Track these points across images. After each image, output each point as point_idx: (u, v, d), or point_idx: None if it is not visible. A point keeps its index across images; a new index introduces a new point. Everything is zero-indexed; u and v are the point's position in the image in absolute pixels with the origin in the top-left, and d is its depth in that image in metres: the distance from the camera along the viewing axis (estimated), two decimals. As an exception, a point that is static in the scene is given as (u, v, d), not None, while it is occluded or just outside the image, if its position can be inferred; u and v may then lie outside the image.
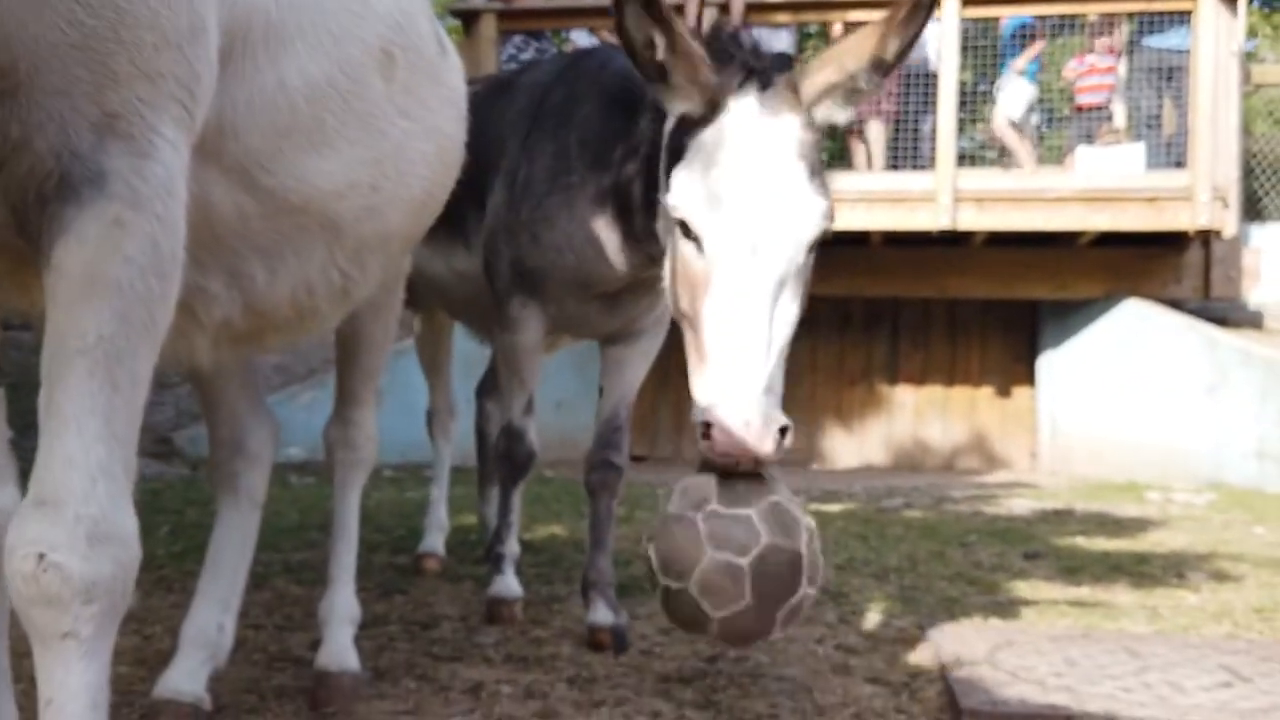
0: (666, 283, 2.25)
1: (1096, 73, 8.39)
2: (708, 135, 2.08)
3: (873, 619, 3.29)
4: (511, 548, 3.28)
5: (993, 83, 8.68)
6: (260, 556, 3.64)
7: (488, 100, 3.15)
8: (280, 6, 1.52)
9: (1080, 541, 4.97)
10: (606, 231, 2.74)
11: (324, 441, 2.55)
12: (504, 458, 3.18)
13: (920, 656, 2.82)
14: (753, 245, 2.00)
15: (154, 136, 1.28)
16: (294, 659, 2.67)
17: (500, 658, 2.75)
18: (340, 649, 2.39)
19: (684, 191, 2.08)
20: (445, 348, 4.11)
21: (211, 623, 2.22)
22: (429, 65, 1.93)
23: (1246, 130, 9.03)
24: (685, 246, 2.09)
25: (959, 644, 2.81)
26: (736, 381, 1.94)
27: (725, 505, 1.94)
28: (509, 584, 3.21)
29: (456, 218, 2.76)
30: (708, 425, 1.93)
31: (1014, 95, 8.50)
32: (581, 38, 8.66)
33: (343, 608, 2.44)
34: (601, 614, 2.89)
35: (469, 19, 8.34)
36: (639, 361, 3.12)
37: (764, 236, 2.01)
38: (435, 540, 3.87)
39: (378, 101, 1.75)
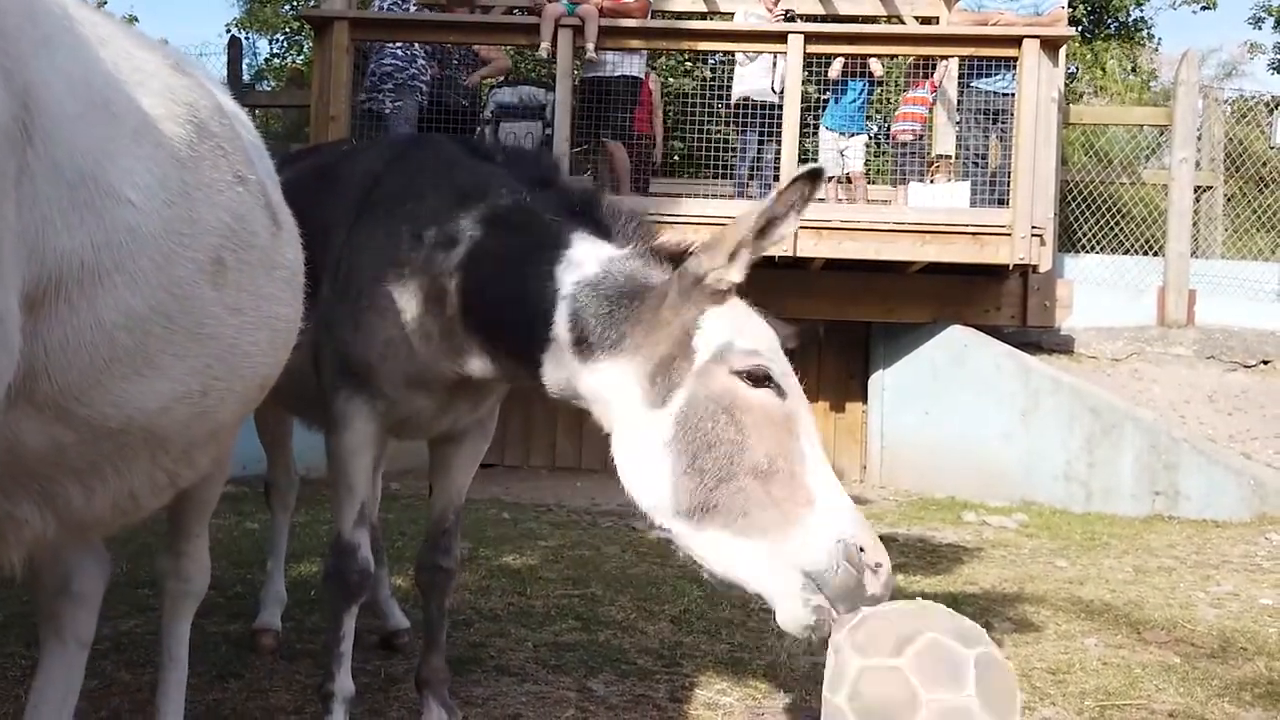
0: (663, 444, 2.20)
1: (914, 102, 8.78)
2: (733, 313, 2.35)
3: (699, 698, 3.45)
4: (343, 685, 2.82)
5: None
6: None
7: (311, 191, 2.99)
8: (96, 247, 1.45)
9: (899, 580, 5.26)
10: (432, 330, 2.65)
11: (156, 572, 2.52)
12: (333, 577, 2.81)
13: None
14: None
15: None
16: (121, 776, 2.64)
17: (333, 766, 2.77)
18: None
19: (765, 342, 2.29)
20: (286, 422, 3.97)
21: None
22: (262, 255, 1.87)
23: (1064, 161, 9.60)
24: (756, 395, 2.20)
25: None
26: (856, 510, 2.14)
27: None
28: None
29: None
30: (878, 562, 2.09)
31: (854, 150, 8.87)
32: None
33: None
34: (436, 717, 2.94)
35: (320, 26, 8.09)
36: (468, 463, 3.08)
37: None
38: (272, 615, 3.79)
39: (207, 309, 1.69)
